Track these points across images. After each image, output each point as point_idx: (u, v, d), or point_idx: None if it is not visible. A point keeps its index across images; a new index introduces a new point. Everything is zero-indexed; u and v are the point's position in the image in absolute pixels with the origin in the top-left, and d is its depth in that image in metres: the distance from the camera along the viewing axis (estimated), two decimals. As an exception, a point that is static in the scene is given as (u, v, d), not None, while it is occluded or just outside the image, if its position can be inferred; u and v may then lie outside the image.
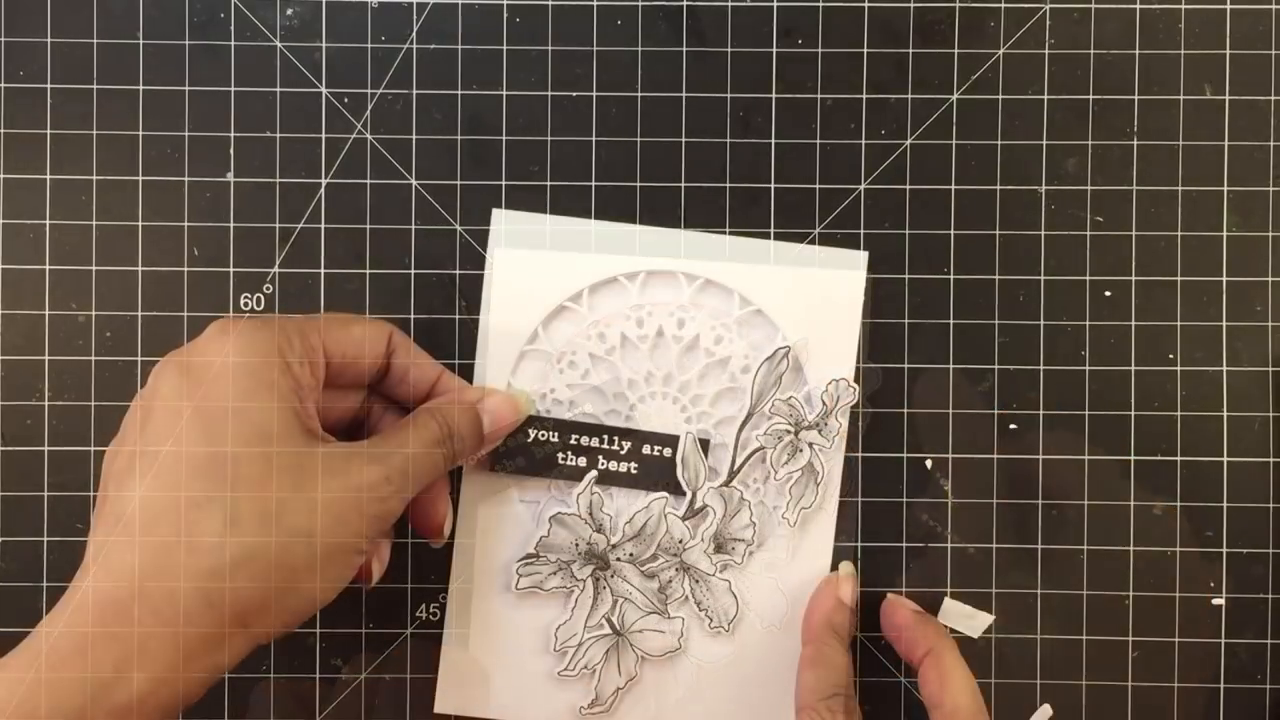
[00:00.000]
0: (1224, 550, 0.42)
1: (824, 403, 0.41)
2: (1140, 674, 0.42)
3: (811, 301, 0.41)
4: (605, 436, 0.40)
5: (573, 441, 0.40)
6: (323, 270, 0.42)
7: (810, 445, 0.40)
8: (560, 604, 0.41)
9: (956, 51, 0.42)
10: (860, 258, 0.41)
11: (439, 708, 0.41)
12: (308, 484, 0.32)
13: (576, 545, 0.40)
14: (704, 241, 0.41)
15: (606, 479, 0.40)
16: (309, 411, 0.34)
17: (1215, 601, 0.42)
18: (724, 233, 0.42)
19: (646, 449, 0.40)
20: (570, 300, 0.41)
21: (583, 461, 0.40)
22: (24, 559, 0.42)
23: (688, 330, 0.41)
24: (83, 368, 0.42)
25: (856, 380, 0.41)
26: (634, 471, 0.40)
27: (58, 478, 0.42)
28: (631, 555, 0.40)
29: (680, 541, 0.40)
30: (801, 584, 0.41)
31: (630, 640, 0.40)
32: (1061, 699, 0.42)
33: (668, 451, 0.40)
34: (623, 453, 0.40)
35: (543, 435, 0.40)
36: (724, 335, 0.41)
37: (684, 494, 0.40)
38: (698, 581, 0.41)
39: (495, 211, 0.41)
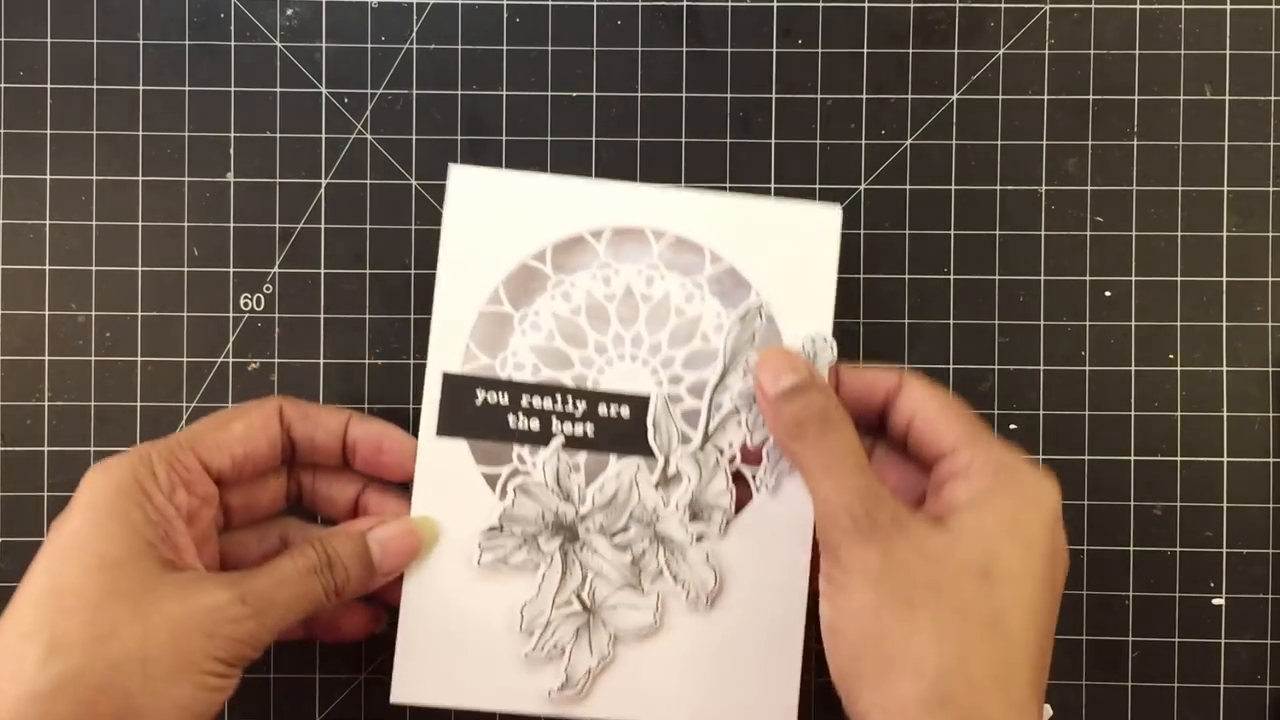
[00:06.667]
0: (1224, 550, 0.42)
1: None
2: (1140, 674, 0.42)
3: (785, 256, 0.38)
4: (558, 396, 0.38)
5: (524, 403, 0.38)
6: (323, 270, 0.42)
7: None
8: (526, 580, 0.38)
9: (956, 51, 0.42)
10: (834, 211, 0.38)
11: (395, 697, 0.38)
12: (148, 609, 0.31)
13: (543, 516, 0.38)
14: (673, 197, 0.39)
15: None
16: (174, 542, 0.34)
17: (1215, 601, 0.42)
18: (693, 187, 0.40)
19: (603, 409, 0.38)
20: (533, 259, 0.39)
21: (535, 424, 0.38)
22: (24, 559, 0.41)
23: (656, 289, 0.39)
24: (83, 368, 0.42)
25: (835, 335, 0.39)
26: (590, 434, 0.38)
27: (58, 478, 0.42)
28: (602, 526, 0.38)
29: (653, 510, 0.38)
30: (782, 552, 0.38)
31: (602, 618, 0.38)
32: (1061, 699, 0.42)
33: (625, 411, 0.38)
34: (578, 414, 0.38)
35: (491, 397, 0.38)
36: (694, 293, 0.39)
37: (653, 458, 0.38)
38: (673, 553, 0.38)
39: (452, 166, 0.39)
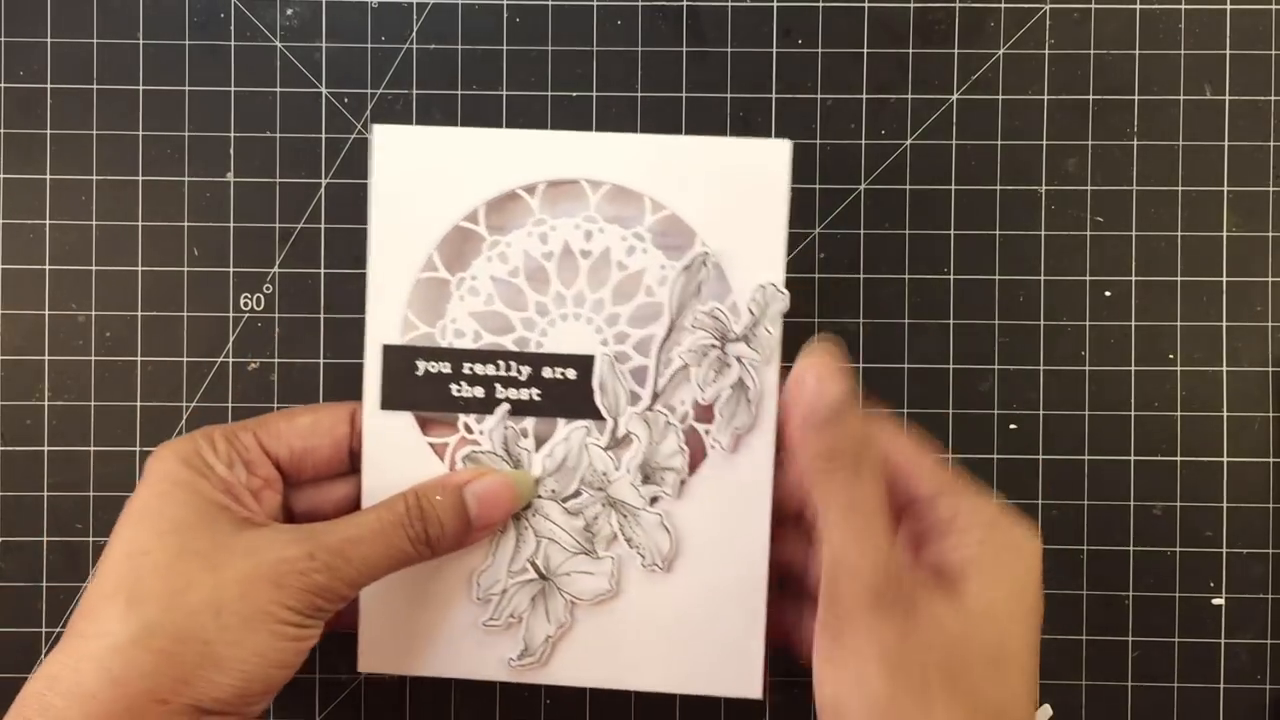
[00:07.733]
0: (1223, 550, 0.42)
1: (751, 311, 0.36)
2: (1140, 674, 0.42)
3: (731, 198, 0.36)
4: (501, 363, 0.37)
5: (466, 371, 0.37)
6: (323, 270, 0.42)
7: (739, 359, 0.36)
8: (482, 548, 0.37)
9: (956, 51, 0.42)
10: (783, 146, 0.36)
11: (361, 666, 0.38)
12: (219, 563, 0.32)
13: None
14: (607, 142, 0.37)
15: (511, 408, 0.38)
16: (245, 503, 0.35)
17: (1215, 601, 0.42)
18: (628, 131, 0.40)
19: (548, 372, 0.37)
20: (466, 220, 0.37)
21: (479, 392, 0.37)
22: (24, 559, 0.42)
23: (595, 244, 0.37)
24: (83, 368, 0.42)
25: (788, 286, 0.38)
26: (536, 398, 0.37)
27: (58, 478, 0.42)
28: (553, 492, 0.37)
29: (604, 474, 0.37)
30: (741, 513, 0.37)
31: (558, 584, 0.37)
32: (1061, 699, 0.42)
33: (571, 373, 0.37)
34: (522, 379, 0.37)
35: (432, 367, 0.37)
36: (636, 246, 0.37)
37: (602, 420, 0.37)
38: (626, 517, 0.37)
39: (376, 126, 0.37)
